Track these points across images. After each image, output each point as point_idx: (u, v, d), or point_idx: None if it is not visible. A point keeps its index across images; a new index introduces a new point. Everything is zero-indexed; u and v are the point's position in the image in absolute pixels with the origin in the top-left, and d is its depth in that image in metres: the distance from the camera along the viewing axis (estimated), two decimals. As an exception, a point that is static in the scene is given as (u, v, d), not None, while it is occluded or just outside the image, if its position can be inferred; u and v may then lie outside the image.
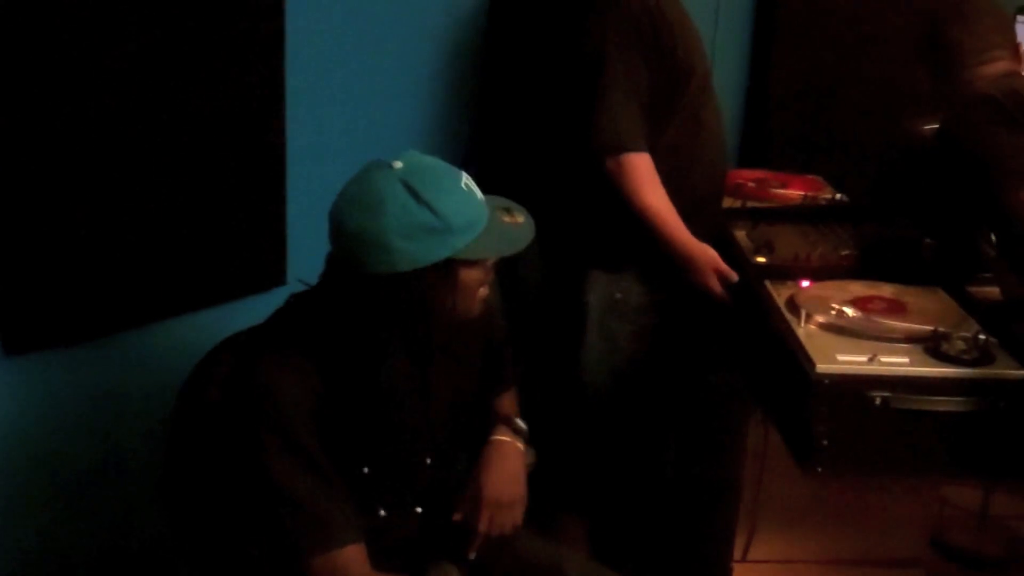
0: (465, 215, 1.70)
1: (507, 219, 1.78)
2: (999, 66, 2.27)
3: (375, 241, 1.66)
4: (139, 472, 2.20)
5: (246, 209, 2.34)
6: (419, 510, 1.93)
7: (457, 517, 1.96)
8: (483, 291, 1.81)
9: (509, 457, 2.00)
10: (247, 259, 2.37)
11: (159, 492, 1.94)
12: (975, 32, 2.28)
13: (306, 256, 2.45)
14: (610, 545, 2.75)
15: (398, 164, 1.70)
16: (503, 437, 2.01)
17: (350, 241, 1.69)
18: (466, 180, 1.74)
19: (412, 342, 1.81)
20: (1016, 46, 2.36)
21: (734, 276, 2.45)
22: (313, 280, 1.84)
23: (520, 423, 2.03)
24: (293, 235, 2.45)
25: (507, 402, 2.09)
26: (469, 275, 1.75)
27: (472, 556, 1.95)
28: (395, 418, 1.82)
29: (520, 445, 2.02)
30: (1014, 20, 3.31)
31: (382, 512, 1.85)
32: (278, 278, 2.43)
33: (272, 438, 1.68)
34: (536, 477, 2.11)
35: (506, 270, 1.96)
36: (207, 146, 2.22)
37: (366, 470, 1.80)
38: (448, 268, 1.71)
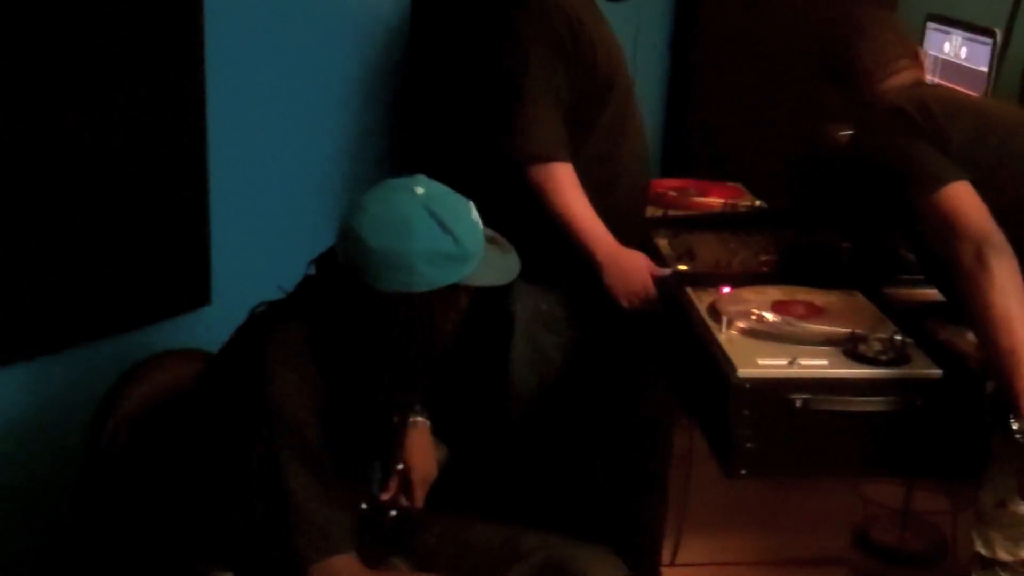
0: (476, 243, 1.80)
1: (494, 248, 1.87)
2: (904, 76, 2.31)
3: (400, 263, 1.73)
4: (49, 502, 2.17)
5: (167, 227, 2.31)
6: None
7: (385, 497, 2.04)
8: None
9: (425, 435, 2.14)
10: (170, 279, 2.34)
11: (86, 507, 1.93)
12: (877, 45, 2.32)
13: (231, 274, 2.44)
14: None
15: (420, 189, 1.78)
16: (418, 418, 2.14)
17: (371, 258, 1.74)
18: (474, 210, 1.83)
19: (412, 357, 1.86)
20: (916, 51, 2.40)
21: (667, 270, 2.48)
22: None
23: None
24: (217, 253, 2.43)
25: None
26: (464, 299, 1.84)
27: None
28: (389, 422, 1.95)
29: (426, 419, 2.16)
30: (924, 27, 3.39)
31: (364, 506, 1.93)
32: (202, 298, 2.41)
33: (289, 445, 1.72)
34: (465, 487, 2.13)
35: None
36: (125, 162, 2.19)
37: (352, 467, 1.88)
38: (453, 292, 1.79)
